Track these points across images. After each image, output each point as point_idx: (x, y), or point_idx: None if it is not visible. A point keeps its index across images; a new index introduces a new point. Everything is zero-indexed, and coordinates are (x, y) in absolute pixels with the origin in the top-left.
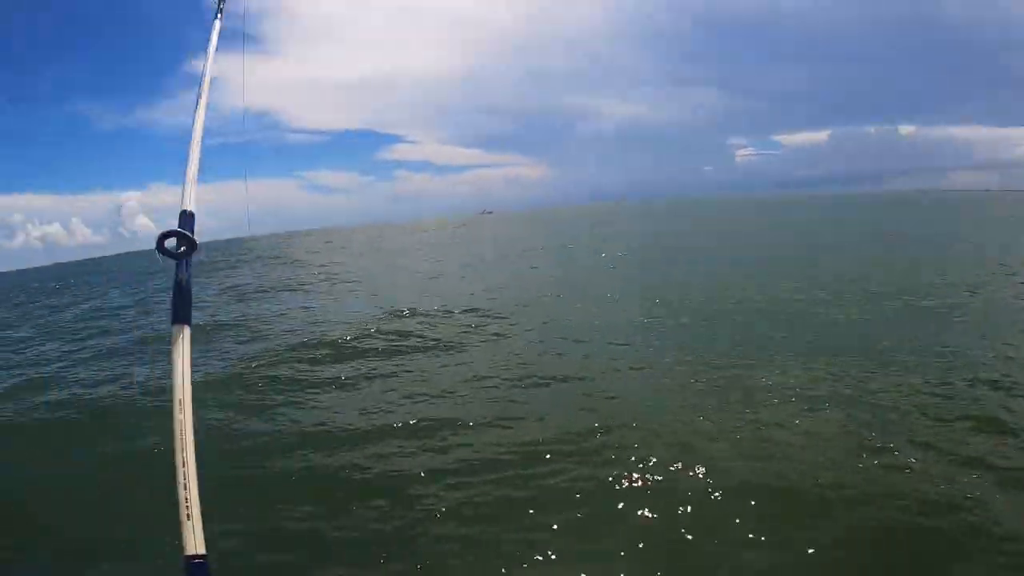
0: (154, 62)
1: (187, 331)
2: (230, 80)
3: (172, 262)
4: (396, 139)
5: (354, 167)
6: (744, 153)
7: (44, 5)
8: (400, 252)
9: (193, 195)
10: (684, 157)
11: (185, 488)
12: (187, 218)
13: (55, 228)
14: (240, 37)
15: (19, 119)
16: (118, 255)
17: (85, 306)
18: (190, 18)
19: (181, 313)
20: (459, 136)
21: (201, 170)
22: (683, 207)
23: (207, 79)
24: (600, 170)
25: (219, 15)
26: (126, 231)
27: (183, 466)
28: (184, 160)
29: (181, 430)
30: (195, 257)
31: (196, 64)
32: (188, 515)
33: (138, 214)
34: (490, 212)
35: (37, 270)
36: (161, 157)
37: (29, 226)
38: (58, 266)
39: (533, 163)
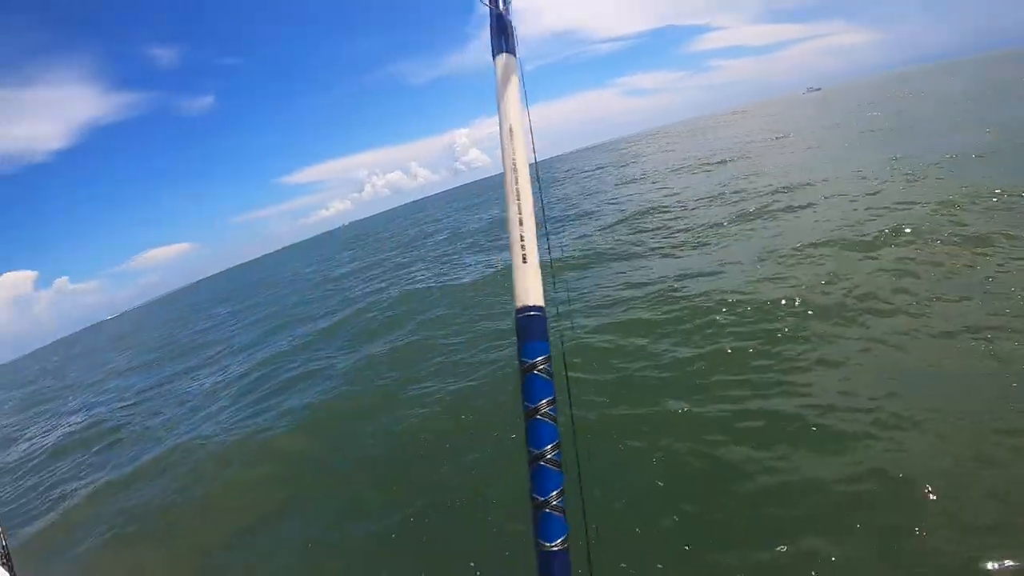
0: (448, 15)
1: (512, 61)
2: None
3: None
4: (702, 29)
5: (665, 65)
6: None
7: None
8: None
9: None
10: None
11: (521, 225)
12: None
13: (396, 175)
14: None
15: (348, 91)
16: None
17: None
18: None
19: (504, 44)
20: (767, 13)
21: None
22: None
23: None
24: (932, 24)
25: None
26: (462, 165)
27: (517, 210)
28: None
29: (512, 160)
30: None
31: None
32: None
33: (470, 148)
34: (817, 89)
35: (402, 207)
36: (476, 94)
37: (374, 178)
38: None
39: (853, 28)
